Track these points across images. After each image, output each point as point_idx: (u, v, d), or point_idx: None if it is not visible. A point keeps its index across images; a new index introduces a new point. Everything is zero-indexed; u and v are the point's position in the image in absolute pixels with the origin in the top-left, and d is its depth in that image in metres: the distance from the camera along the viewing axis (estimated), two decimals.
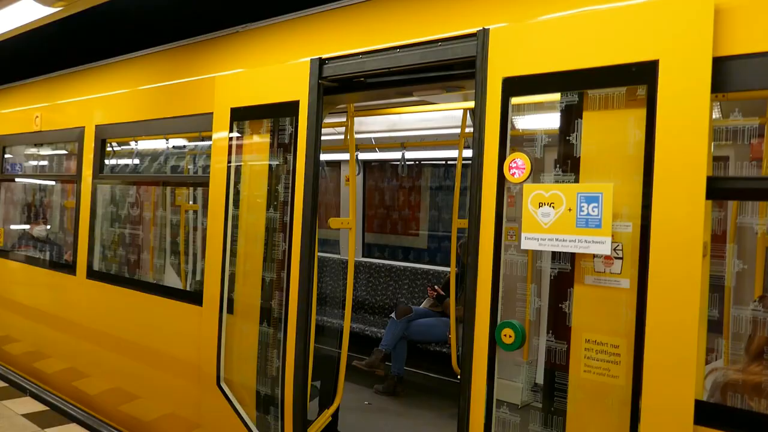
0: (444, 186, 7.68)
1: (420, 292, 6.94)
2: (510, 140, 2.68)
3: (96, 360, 5.28)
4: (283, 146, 3.69)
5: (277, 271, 3.66)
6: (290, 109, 3.61)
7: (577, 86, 2.50)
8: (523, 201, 2.57)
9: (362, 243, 7.88)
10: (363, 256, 7.80)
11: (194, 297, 4.23)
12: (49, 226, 6.76)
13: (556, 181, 2.53)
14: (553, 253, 2.54)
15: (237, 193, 3.95)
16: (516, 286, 2.74)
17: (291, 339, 3.54)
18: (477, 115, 2.76)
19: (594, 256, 2.44)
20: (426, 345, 6.10)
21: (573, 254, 2.49)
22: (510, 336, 2.62)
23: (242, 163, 3.96)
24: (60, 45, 8.51)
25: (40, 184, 6.93)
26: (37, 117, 6.14)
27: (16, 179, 7.12)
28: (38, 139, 6.27)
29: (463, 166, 5.50)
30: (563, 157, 2.54)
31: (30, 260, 6.29)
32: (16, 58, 8.80)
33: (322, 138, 3.58)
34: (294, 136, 3.58)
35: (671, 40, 2.27)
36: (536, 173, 2.62)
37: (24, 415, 5.28)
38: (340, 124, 4.99)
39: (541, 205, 2.52)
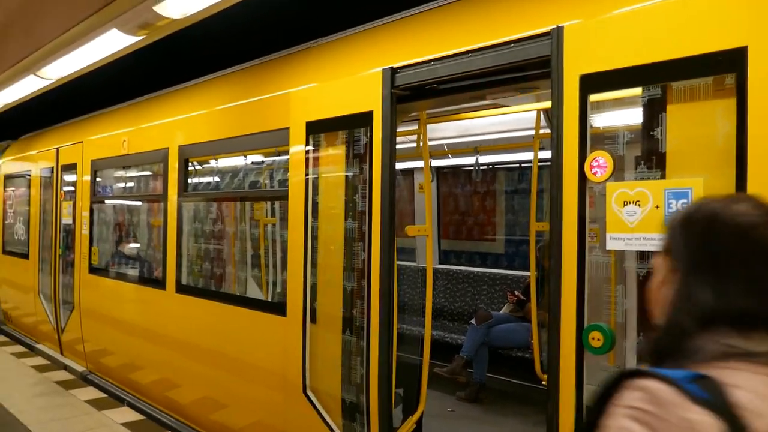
0: (519, 189, 7.57)
1: (499, 297, 6.85)
2: (590, 139, 2.62)
3: (186, 370, 5.48)
4: (358, 157, 3.74)
5: (357, 280, 3.71)
6: (364, 119, 3.65)
7: (659, 79, 2.42)
8: (607, 200, 2.51)
9: (438, 250, 7.86)
10: (439, 263, 7.77)
11: (278, 308, 4.33)
12: (140, 246, 7.09)
13: (641, 179, 2.45)
14: (641, 252, 2.46)
15: (315, 204, 4.02)
16: (601, 287, 2.66)
17: (374, 347, 3.57)
18: (554, 114, 2.72)
19: None
20: (507, 351, 6.01)
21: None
22: (598, 339, 2.55)
23: (319, 175, 4.04)
24: (144, 71, 8.95)
25: (129, 205, 7.29)
26: (124, 141, 6.46)
27: (107, 201, 7.51)
28: (126, 162, 6.60)
29: (540, 168, 5.41)
30: (647, 153, 2.46)
31: (123, 277, 6.61)
32: (104, 87, 9.32)
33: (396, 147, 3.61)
34: (369, 146, 3.63)
35: (760, 25, 2.17)
36: (619, 171, 2.55)
37: (123, 424, 5.55)
38: (412, 132, 5.01)
39: (625, 203, 2.45)
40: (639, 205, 2.42)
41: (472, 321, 6.12)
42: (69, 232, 7.74)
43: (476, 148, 6.50)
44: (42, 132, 9.36)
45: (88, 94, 9.39)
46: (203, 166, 6.22)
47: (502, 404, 5.99)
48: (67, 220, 7.78)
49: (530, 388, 6.15)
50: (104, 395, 6.49)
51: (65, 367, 7.60)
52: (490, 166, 7.65)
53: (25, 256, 9.13)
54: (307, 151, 4.07)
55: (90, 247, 7.16)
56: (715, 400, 0.99)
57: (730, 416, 0.98)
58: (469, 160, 6.93)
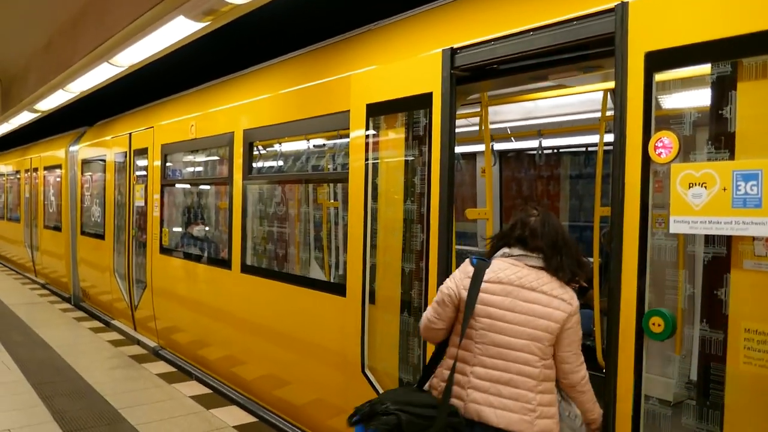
0: (584, 174, 7.40)
1: None
2: (655, 119, 2.54)
3: (250, 348, 5.66)
4: (418, 139, 3.74)
5: (416, 262, 3.73)
6: (424, 101, 3.65)
7: (730, 55, 2.32)
8: (671, 182, 2.43)
9: None
10: None
11: (338, 288, 4.41)
12: (207, 227, 7.32)
13: (708, 160, 2.37)
14: (707, 236, 2.38)
15: (375, 187, 4.06)
16: (664, 273, 2.59)
17: None
18: (618, 93, 2.65)
19: (754, 238, 2.26)
20: None
21: (729, 237, 2.32)
22: (659, 325, 2.49)
23: (379, 158, 4.06)
24: (210, 57, 9.18)
25: (197, 188, 7.52)
26: (192, 126, 6.66)
27: (176, 184, 7.78)
28: (194, 146, 6.81)
29: (605, 152, 5.27)
30: (715, 134, 2.37)
31: (191, 257, 6.85)
32: (174, 73, 9.62)
33: (456, 130, 3.59)
34: (428, 127, 3.62)
35: None
36: (684, 152, 2.47)
37: (191, 397, 5.77)
38: (474, 114, 4.96)
39: (691, 185, 2.37)
40: (705, 187, 2.33)
41: None
42: (141, 214, 8.07)
43: (540, 131, 6.39)
44: (115, 118, 9.75)
45: (159, 81, 9.72)
46: (267, 150, 6.36)
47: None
48: (139, 202, 8.11)
49: (591, 376, 6.03)
50: (174, 370, 6.76)
51: (138, 343, 7.95)
52: (554, 150, 7.50)
53: (101, 237, 9.57)
54: (367, 134, 4.10)
55: (161, 228, 7.44)
56: (477, 264, 2.73)
57: (477, 267, 2.72)
58: (533, 143, 6.82)
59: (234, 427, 5.05)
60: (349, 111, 4.27)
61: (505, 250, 2.78)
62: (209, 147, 6.62)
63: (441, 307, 2.74)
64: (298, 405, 5.05)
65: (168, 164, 7.54)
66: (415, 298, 3.72)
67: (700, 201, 2.35)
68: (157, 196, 7.55)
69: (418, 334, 3.69)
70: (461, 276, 2.73)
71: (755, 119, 2.28)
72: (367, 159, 4.09)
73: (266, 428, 5.08)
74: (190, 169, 7.72)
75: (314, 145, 5.83)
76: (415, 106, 3.73)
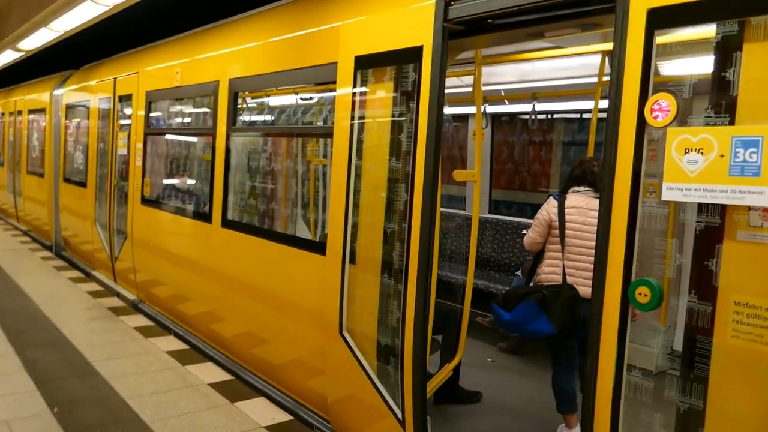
0: (578, 141, 7.26)
1: None
2: (653, 81, 2.40)
3: (230, 304, 5.56)
4: (406, 95, 3.58)
5: (398, 223, 3.61)
6: (414, 54, 3.48)
7: (737, 14, 2.17)
8: (666, 147, 2.30)
9: (489, 199, 7.67)
10: (489, 213, 7.60)
11: (318, 246, 4.29)
12: (190, 180, 7.15)
13: (707, 124, 2.24)
14: (700, 205, 2.26)
15: (360, 143, 3.91)
16: (654, 242, 2.49)
17: (411, 291, 3.48)
18: (616, 52, 2.50)
19: (750, 208, 2.15)
20: None
21: (724, 207, 2.21)
22: (645, 295, 2.39)
23: (365, 113, 3.91)
24: (200, 2, 8.88)
25: (180, 138, 7.33)
26: (177, 72, 6.45)
27: (160, 133, 7.56)
28: (179, 93, 6.60)
29: (600, 119, 5.14)
30: (716, 97, 2.24)
31: (173, 209, 6.69)
32: (162, 18, 9.32)
33: (449, 90, 3.44)
34: (417, 83, 3.46)
35: None
36: (682, 117, 2.34)
37: (168, 352, 5.70)
38: (467, 73, 4.80)
39: (687, 151, 2.25)
40: (702, 153, 2.21)
41: (518, 272, 5.98)
42: (124, 163, 7.88)
43: (534, 94, 6.22)
44: (101, 62, 9.47)
45: (147, 25, 9.43)
46: (255, 102, 6.17)
47: (544, 357, 5.87)
48: (122, 151, 7.91)
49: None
50: (152, 324, 6.67)
51: (118, 295, 7.85)
52: (548, 116, 7.35)
53: (84, 185, 9.38)
54: (354, 87, 3.93)
55: (143, 178, 7.27)
56: (558, 198, 4.20)
57: (559, 201, 4.18)
58: (527, 107, 6.65)
59: (209, 384, 4.98)
60: (337, 63, 4.09)
61: (575, 188, 4.31)
62: (194, 95, 6.41)
63: (540, 228, 4.28)
64: (275, 364, 4.99)
65: (152, 112, 7.33)
66: (396, 259, 3.61)
67: (696, 167, 2.23)
68: (140, 145, 7.35)
69: (398, 297, 3.60)
70: (549, 207, 4.25)
71: (759, 83, 2.14)
72: (353, 114, 3.94)
73: (242, 386, 5.01)
74: (175, 119, 7.51)
75: (302, 99, 5.64)
76: (404, 60, 3.56)
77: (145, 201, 7.24)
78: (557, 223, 4.15)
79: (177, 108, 7.27)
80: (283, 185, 6.24)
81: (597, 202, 3.26)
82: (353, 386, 3.99)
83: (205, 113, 6.31)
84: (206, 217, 5.81)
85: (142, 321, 6.75)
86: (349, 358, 3.97)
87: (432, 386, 4.26)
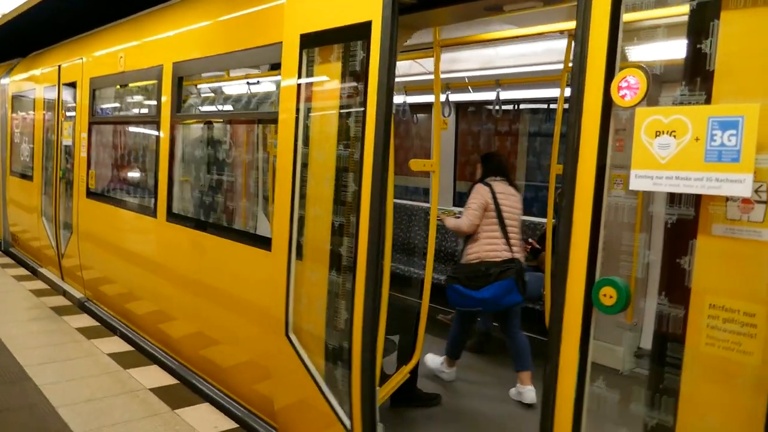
0: (543, 130, 7.03)
1: None
2: (621, 53, 2.14)
3: (177, 303, 5.22)
4: (354, 76, 3.28)
5: (347, 215, 3.31)
6: (362, 31, 3.18)
7: None
8: (635, 130, 2.04)
9: (453, 192, 7.42)
10: (454, 205, 7.34)
11: (264, 241, 3.98)
12: (134, 171, 6.75)
13: (681, 103, 1.98)
14: (672, 195, 2.01)
15: (306, 128, 3.60)
16: (621, 236, 2.23)
17: (360, 289, 3.19)
18: (579, 22, 2.23)
19: (727, 199, 1.90)
20: None
21: (698, 197, 1.96)
22: (611, 297, 2.13)
23: (312, 96, 3.59)
24: None
25: (126, 127, 6.91)
26: (121, 57, 6.05)
27: (105, 122, 7.13)
28: (123, 79, 6.20)
29: (567, 111, 4.91)
30: (690, 72, 1.98)
31: (118, 203, 6.30)
32: (109, 3, 8.84)
33: (411, 78, 3.14)
34: (366, 62, 3.16)
35: None
36: (653, 95, 2.08)
37: (110, 355, 5.33)
38: (425, 56, 4.51)
39: (658, 134, 1.99)
40: (674, 136, 1.95)
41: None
42: (70, 154, 7.44)
43: (497, 81, 5.96)
44: (48, 49, 8.97)
45: (95, 11, 8.93)
46: (202, 87, 5.81)
47: (507, 356, 5.64)
48: (67, 141, 7.47)
49: (539, 341, 5.79)
50: (97, 324, 6.28)
51: (64, 294, 7.43)
52: (515, 107, 7.11)
53: (30, 178, 8.90)
54: (300, 68, 3.61)
55: (88, 170, 6.86)
56: (486, 184, 4.89)
57: (489, 186, 4.78)
58: (491, 95, 6.39)
59: (151, 389, 4.64)
60: (282, 43, 3.77)
61: (493, 177, 4.88)
62: (138, 81, 6.02)
63: (478, 211, 4.69)
64: (223, 367, 4.66)
65: (97, 100, 6.90)
66: (345, 255, 3.31)
67: (668, 153, 1.97)
68: (84, 135, 6.93)
69: (347, 296, 3.30)
70: (483, 193, 4.76)
71: (739, 56, 1.89)
72: (298, 97, 3.62)
73: (186, 392, 4.68)
74: (120, 107, 7.09)
75: (248, 83, 5.30)
76: (352, 36, 3.26)
77: (90, 194, 6.83)
78: (493, 206, 4.71)
79: (122, 95, 6.86)
80: (236, 176, 5.88)
81: (513, 188, 4.88)
82: (300, 392, 3.69)
83: (150, 100, 5.93)
84: (151, 211, 5.45)
85: (86, 321, 6.36)
86: (295, 361, 3.67)
87: (387, 390, 3.98)
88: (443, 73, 6.22)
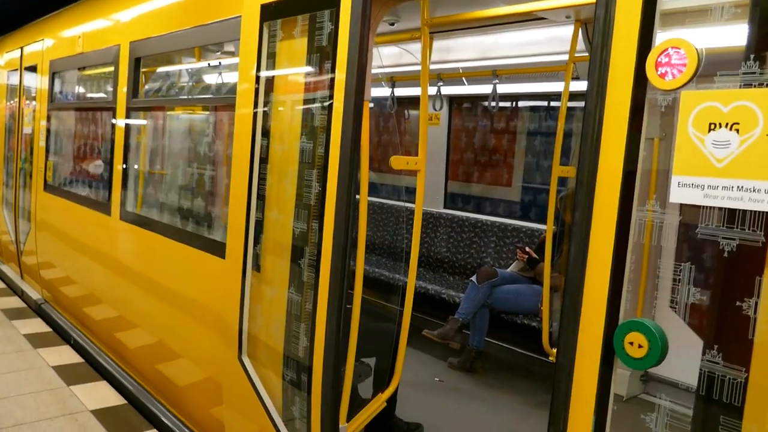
0: (545, 128, 6.47)
1: (509, 252, 5.88)
2: (660, 18, 1.58)
3: (132, 312, 4.66)
4: (321, 52, 2.72)
5: (310, 220, 2.75)
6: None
7: None
8: (680, 122, 1.49)
9: (444, 192, 6.85)
10: (445, 207, 6.78)
11: (218, 248, 3.41)
12: (92, 161, 6.16)
13: (746, 85, 1.43)
14: (730, 212, 1.46)
15: (266, 117, 3.04)
16: (653, 266, 1.68)
17: (322, 309, 2.64)
18: None
19: None
20: (512, 316, 5.07)
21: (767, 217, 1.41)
22: (640, 346, 1.58)
23: (273, 77, 3.03)
24: None
25: (84, 114, 6.32)
26: (79, 38, 5.48)
27: (63, 108, 6.54)
28: (82, 62, 5.63)
29: (570, 108, 4.41)
30: (759, 44, 1.43)
31: (74, 198, 5.72)
32: None
33: (401, 69, 2.58)
34: (334, 36, 2.60)
35: None
36: (704, 75, 1.53)
37: (55, 367, 4.76)
38: (412, 38, 3.95)
39: (713, 127, 1.44)
40: (737, 130, 1.40)
41: (473, 278, 5.18)
42: (30, 143, 6.86)
43: (495, 71, 5.39)
44: (13, 33, 8.37)
45: None
46: (162, 71, 5.22)
47: (500, 377, 5.11)
48: (27, 129, 6.89)
49: (535, 360, 5.26)
50: (50, 330, 5.72)
51: (21, 294, 6.85)
52: (512, 104, 6.56)
53: None
54: (260, 45, 3.04)
55: (46, 161, 6.28)
56: None
57: None
58: (489, 89, 5.83)
59: (93, 411, 4.08)
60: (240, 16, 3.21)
61: None
62: (96, 63, 5.44)
63: None
64: (178, 387, 4.10)
65: (57, 85, 6.32)
66: (305, 268, 2.75)
67: (727, 153, 1.42)
68: (44, 123, 6.35)
69: (307, 319, 2.75)
70: None
71: None
72: (257, 80, 3.05)
73: (133, 415, 4.12)
74: (79, 91, 6.50)
75: (210, 65, 4.70)
76: (318, 5, 2.69)
77: (47, 187, 6.25)
78: None
79: (82, 79, 6.27)
80: (199, 171, 5.31)
81: None
82: (252, 426, 3.14)
83: (107, 84, 5.35)
84: (105, 208, 4.87)
85: (38, 327, 5.79)
86: (248, 390, 3.11)
87: (359, 422, 3.42)
88: (435, 63, 5.70)
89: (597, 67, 1.66)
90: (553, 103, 6.25)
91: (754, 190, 1.37)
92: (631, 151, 1.60)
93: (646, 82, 1.57)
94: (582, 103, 1.74)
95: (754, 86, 1.40)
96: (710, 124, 1.44)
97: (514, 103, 6.63)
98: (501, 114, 6.69)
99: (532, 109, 6.56)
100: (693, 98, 1.47)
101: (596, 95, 1.66)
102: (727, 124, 1.41)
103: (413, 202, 3.49)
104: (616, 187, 1.61)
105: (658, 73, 1.55)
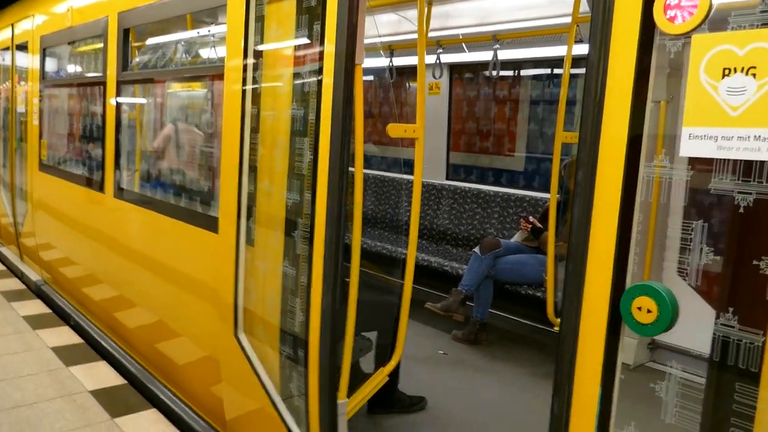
0: (548, 95, 6.32)
1: (513, 222, 5.77)
2: None
3: (130, 291, 4.58)
4: (310, 13, 2.59)
5: (302, 191, 2.65)
6: None
7: None
8: (691, 68, 1.37)
9: (446, 164, 6.72)
10: (447, 179, 6.66)
11: (211, 222, 3.32)
12: (88, 139, 6.04)
13: (763, 25, 1.31)
14: (746, 164, 1.35)
15: (255, 82, 2.92)
16: (662, 226, 1.57)
17: (317, 281, 2.55)
18: None
19: None
20: (516, 286, 4.98)
21: None
22: (648, 311, 1.48)
23: (262, 42, 2.90)
24: None
25: (78, 90, 6.19)
26: (69, 10, 5.33)
27: (55, 87, 6.41)
28: (70, 36, 5.49)
29: (573, 75, 4.28)
30: None
31: (70, 176, 5.62)
32: None
33: (399, 37, 2.44)
34: None
35: None
36: (717, 19, 1.40)
37: (54, 349, 4.71)
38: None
39: (727, 73, 1.32)
40: (754, 75, 1.28)
41: (476, 249, 5.08)
42: (24, 122, 6.75)
43: (495, 36, 5.24)
44: (2, 11, 8.21)
45: None
46: (153, 43, 5.07)
47: (505, 348, 5.03)
48: (21, 108, 6.78)
49: (540, 330, 5.18)
50: (49, 312, 5.65)
51: (21, 276, 6.79)
52: (514, 72, 6.40)
53: None
54: (248, 7, 2.91)
55: (39, 140, 6.17)
56: None
57: None
58: (489, 55, 5.67)
59: (92, 391, 4.02)
60: None
61: None
62: (85, 36, 5.30)
63: None
64: (178, 365, 4.04)
65: (49, 61, 6.19)
66: (299, 240, 2.66)
67: (743, 100, 1.30)
68: (36, 101, 6.23)
69: (303, 291, 2.66)
70: None
71: None
72: (246, 43, 2.93)
73: (133, 395, 4.06)
74: (73, 67, 6.37)
75: (200, 35, 4.56)
76: None
77: (43, 167, 6.15)
78: None
79: (74, 54, 6.13)
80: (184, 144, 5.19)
81: None
82: (250, 403, 3.07)
83: (98, 59, 5.21)
84: (100, 186, 4.78)
85: (37, 308, 5.73)
86: (245, 367, 3.04)
87: (361, 397, 3.35)
88: (434, 30, 5.54)
89: (601, 13, 1.54)
90: (556, 70, 6.10)
91: None
92: (638, 102, 1.48)
93: (653, 26, 1.45)
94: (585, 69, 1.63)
95: None
96: (724, 69, 1.32)
97: (516, 71, 6.48)
98: (503, 82, 6.53)
99: (535, 77, 6.40)
100: (705, 42, 1.35)
101: (599, 41, 1.53)
102: (742, 68, 1.30)
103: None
104: (623, 141, 1.50)
105: (667, 16, 1.43)
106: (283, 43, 2.79)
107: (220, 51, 4.41)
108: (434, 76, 6.10)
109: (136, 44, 4.59)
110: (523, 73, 6.47)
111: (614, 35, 1.52)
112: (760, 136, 1.28)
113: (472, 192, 6.18)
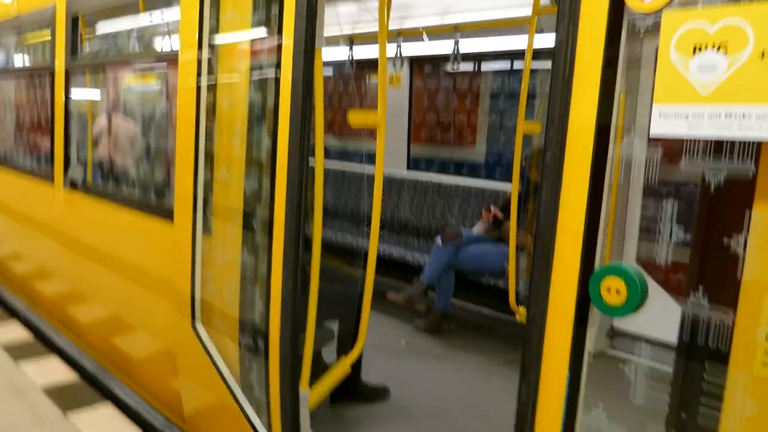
0: (508, 88, 6.34)
1: (474, 213, 5.78)
2: None
3: (83, 284, 4.43)
4: None
5: (261, 178, 2.57)
6: None
7: None
8: (661, 45, 1.36)
9: (407, 156, 6.69)
10: (408, 170, 6.63)
11: (166, 211, 3.21)
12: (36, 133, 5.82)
13: (735, 1, 1.29)
14: (716, 144, 1.34)
15: (210, 65, 2.82)
16: (632, 206, 1.56)
17: (277, 269, 2.48)
18: None
19: None
20: (477, 276, 4.98)
21: (759, 146, 1.29)
22: (618, 291, 1.46)
23: (218, 23, 2.81)
24: None
25: (26, 80, 5.95)
26: (14, 1, 5.12)
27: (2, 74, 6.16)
28: (18, 26, 5.27)
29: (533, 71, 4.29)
30: None
31: (18, 168, 5.41)
32: None
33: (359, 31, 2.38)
34: None
35: None
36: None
37: (2, 345, 4.51)
38: None
39: (698, 49, 1.30)
40: (725, 51, 1.27)
41: (437, 239, 5.07)
42: None
43: (456, 27, 5.22)
44: None
45: None
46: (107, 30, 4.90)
47: (467, 337, 5.03)
48: None
49: (503, 320, 5.20)
50: None
51: None
52: (475, 66, 6.40)
53: None
54: None
55: None
56: None
57: None
58: (449, 45, 5.64)
59: (43, 387, 3.86)
60: None
61: None
62: (33, 25, 5.09)
63: None
64: (133, 360, 3.92)
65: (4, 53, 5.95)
66: (258, 229, 2.58)
67: (714, 78, 1.29)
68: None
69: (262, 283, 2.59)
70: None
71: None
72: (201, 24, 2.83)
73: (87, 390, 3.92)
74: (20, 57, 6.12)
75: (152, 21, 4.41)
76: None
77: None
78: None
79: (21, 44, 5.90)
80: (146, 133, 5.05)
81: None
82: (210, 396, 2.99)
83: (44, 47, 5.02)
84: (49, 177, 4.60)
85: None
86: (203, 358, 2.95)
87: (322, 388, 3.30)
88: (395, 20, 5.50)
89: None
90: (516, 64, 6.13)
91: (744, 117, 1.25)
92: (608, 80, 1.46)
93: (622, 3, 1.43)
94: (546, 63, 1.60)
95: (743, 1, 1.27)
96: (695, 45, 1.30)
97: (476, 64, 6.48)
98: (464, 76, 6.53)
99: (496, 72, 6.42)
100: (676, 19, 1.33)
101: (567, 20, 1.51)
102: (713, 45, 1.28)
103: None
104: (592, 120, 1.47)
105: None
106: (240, 25, 2.70)
107: (174, 39, 4.30)
108: (394, 67, 6.06)
109: (87, 36, 4.44)
110: (484, 67, 6.48)
111: (582, 14, 1.49)
112: (731, 114, 1.26)
113: (432, 184, 6.16)
